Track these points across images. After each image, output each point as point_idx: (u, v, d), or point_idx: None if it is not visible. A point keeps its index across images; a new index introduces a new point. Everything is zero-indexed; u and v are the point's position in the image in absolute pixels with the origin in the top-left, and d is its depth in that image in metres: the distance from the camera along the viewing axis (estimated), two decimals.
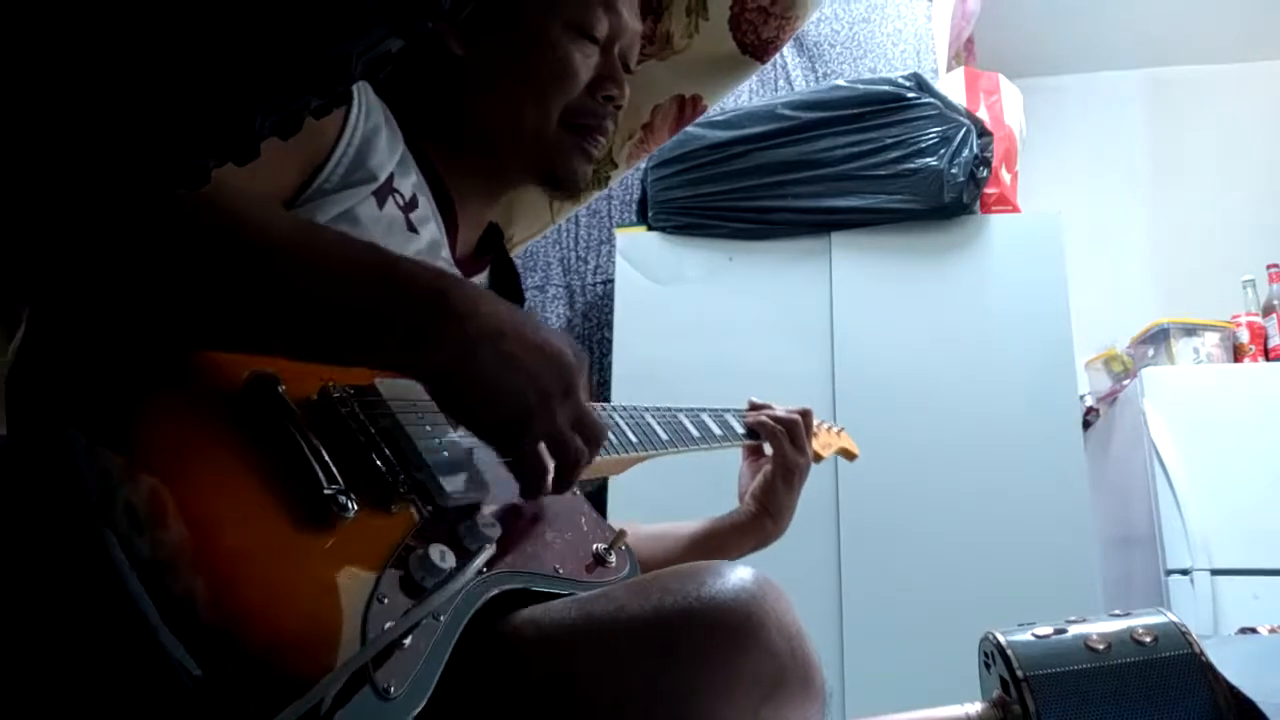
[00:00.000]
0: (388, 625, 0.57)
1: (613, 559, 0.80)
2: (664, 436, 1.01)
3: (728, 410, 1.17)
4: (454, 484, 0.70)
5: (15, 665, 0.54)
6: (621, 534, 0.82)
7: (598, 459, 0.87)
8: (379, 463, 0.66)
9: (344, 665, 0.53)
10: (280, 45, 0.42)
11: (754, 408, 1.19)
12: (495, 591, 0.67)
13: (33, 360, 0.59)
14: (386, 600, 0.59)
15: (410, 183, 0.87)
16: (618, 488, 2.03)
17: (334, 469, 0.62)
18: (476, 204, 0.98)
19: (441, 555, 0.63)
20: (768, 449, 1.17)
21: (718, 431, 1.12)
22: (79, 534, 0.53)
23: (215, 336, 0.63)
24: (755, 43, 1.27)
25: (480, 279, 0.99)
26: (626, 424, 0.98)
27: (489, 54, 0.91)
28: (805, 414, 1.19)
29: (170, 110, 0.43)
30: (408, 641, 0.58)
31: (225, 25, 0.41)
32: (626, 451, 0.95)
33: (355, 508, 0.61)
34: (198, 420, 0.60)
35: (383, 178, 0.82)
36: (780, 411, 1.17)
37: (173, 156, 0.45)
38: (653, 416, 1.03)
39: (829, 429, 1.33)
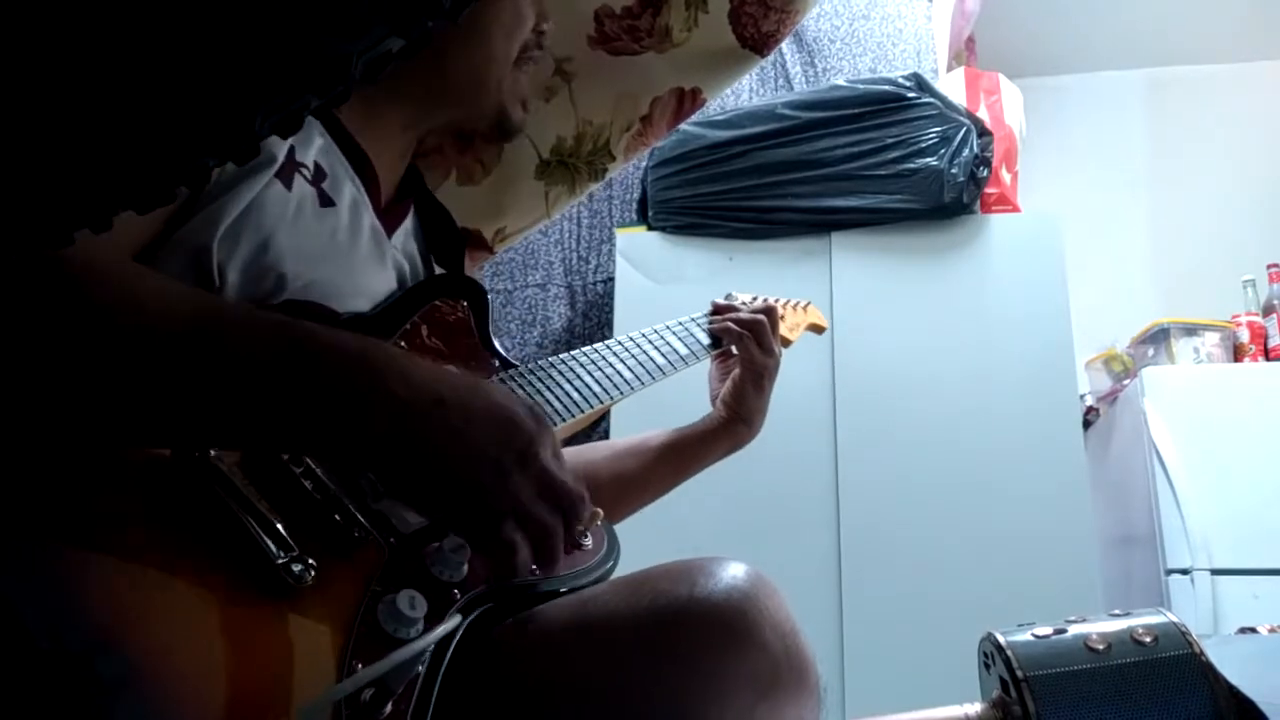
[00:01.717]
0: (365, 697, 0.54)
1: (588, 540, 0.78)
2: (627, 375, 0.98)
3: (692, 319, 1.12)
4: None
5: None
6: (596, 513, 0.78)
7: (566, 423, 0.84)
8: (331, 508, 0.63)
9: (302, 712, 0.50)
10: (280, 45, 0.42)
11: (717, 310, 1.14)
12: (474, 615, 0.65)
13: None
14: (360, 665, 0.56)
15: (315, 149, 0.83)
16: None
17: (282, 532, 0.58)
18: (398, 142, 0.95)
19: (411, 602, 0.59)
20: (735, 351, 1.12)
21: (683, 350, 1.07)
22: (15, 660, 0.48)
23: (119, 436, 0.57)
24: (755, 36, 1.27)
25: (407, 224, 0.95)
26: (589, 373, 0.94)
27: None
28: (769, 310, 1.13)
29: (171, 110, 0.43)
30: (386, 710, 0.55)
31: (226, 25, 0.41)
32: (592, 406, 0.91)
33: (313, 570, 0.57)
34: (128, 507, 0.55)
35: (282, 156, 0.77)
36: (744, 313, 1.12)
37: (173, 156, 0.45)
38: (615, 355, 0.99)
39: (794, 306, 1.28)
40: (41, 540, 0.51)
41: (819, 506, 2.04)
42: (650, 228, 2.34)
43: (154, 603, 0.52)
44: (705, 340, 1.10)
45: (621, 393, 0.96)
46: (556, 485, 0.63)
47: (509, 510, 0.61)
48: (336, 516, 0.62)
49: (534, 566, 0.70)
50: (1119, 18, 3.33)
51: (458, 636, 0.63)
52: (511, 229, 1.27)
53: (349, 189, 0.85)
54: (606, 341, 1.01)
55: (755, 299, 1.18)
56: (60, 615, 0.49)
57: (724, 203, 2.28)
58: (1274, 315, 2.73)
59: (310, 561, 0.57)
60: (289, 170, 0.78)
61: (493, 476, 0.60)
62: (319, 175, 0.81)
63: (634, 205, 2.52)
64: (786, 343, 1.18)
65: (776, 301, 1.20)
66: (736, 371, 1.10)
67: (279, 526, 0.58)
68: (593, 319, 2.56)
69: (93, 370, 0.53)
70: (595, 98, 1.24)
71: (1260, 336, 2.71)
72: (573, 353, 0.96)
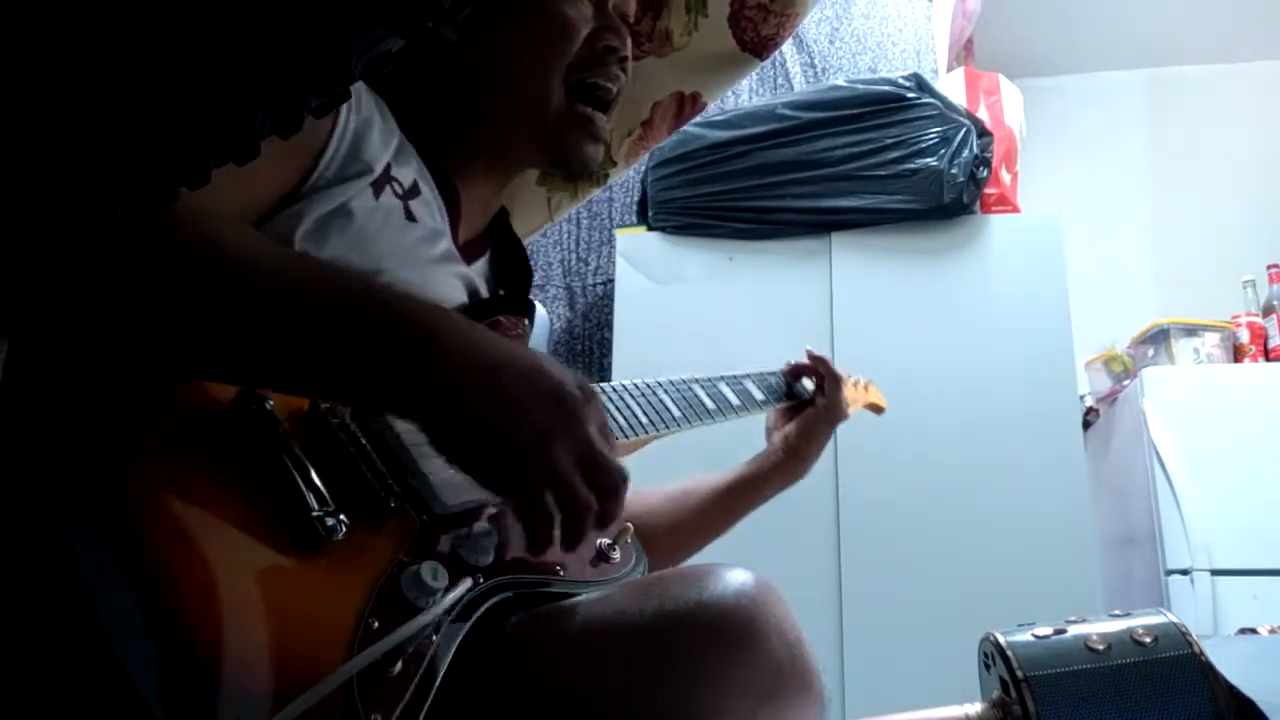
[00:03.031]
0: (370, 650, 0.56)
1: (616, 554, 0.79)
2: (676, 413, 0.99)
3: (746, 376, 1.16)
4: (450, 490, 0.68)
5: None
6: (626, 528, 0.81)
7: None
8: (370, 476, 0.65)
9: (317, 687, 0.52)
10: (280, 45, 0.42)
11: (812, 359, 1.22)
12: (495, 600, 0.67)
13: (13, 399, 0.58)
14: (377, 624, 0.57)
15: (411, 170, 0.86)
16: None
17: (322, 489, 0.60)
18: (481, 190, 0.96)
19: (434, 573, 0.61)
20: (807, 387, 1.20)
21: (735, 401, 1.10)
22: (61, 591, 0.51)
23: (197, 369, 0.61)
24: (755, 40, 1.27)
25: (481, 263, 0.97)
26: (637, 402, 0.95)
27: (483, 32, 0.89)
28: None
29: (171, 110, 0.43)
30: (396, 668, 0.57)
31: (226, 25, 0.41)
32: (636, 434, 0.92)
33: (345, 528, 0.59)
34: (183, 451, 0.59)
35: (379, 168, 0.81)
36: (832, 366, 1.20)
37: (174, 156, 0.45)
38: (665, 392, 1.00)
39: (855, 383, 1.33)
40: (105, 471, 0.55)
41: (819, 507, 2.04)
42: (650, 228, 2.34)
43: (200, 539, 0.55)
44: (759, 395, 1.16)
45: (669, 429, 0.98)
46: (598, 459, 0.65)
47: (545, 477, 0.63)
48: (375, 486, 0.65)
49: (559, 566, 0.73)
50: (1119, 18, 3.33)
51: (476, 616, 0.64)
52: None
53: (434, 215, 0.87)
54: (656, 378, 1.02)
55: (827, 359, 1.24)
56: (110, 548, 0.52)
57: (724, 203, 2.28)
58: (1274, 315, 2.73)
59: (343, 518, 0.60)
60: (382, 182, 0.81)
61: (536, 443, 0.63)
62: (410, 193, 0.84)
63: (634, 206, 2.52)
64: (845, 416, 1.23)
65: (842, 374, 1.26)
66: (810, 412, 1.17)
67: (319, 483, 0.60)
68: (593, 320, 2.56)
69: (195, 305, 0.59)
70: None
71: (1260, 337, 2.71)
72: (623, 382, 0.97)
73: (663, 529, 1.06)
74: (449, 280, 0.89)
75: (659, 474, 1.14)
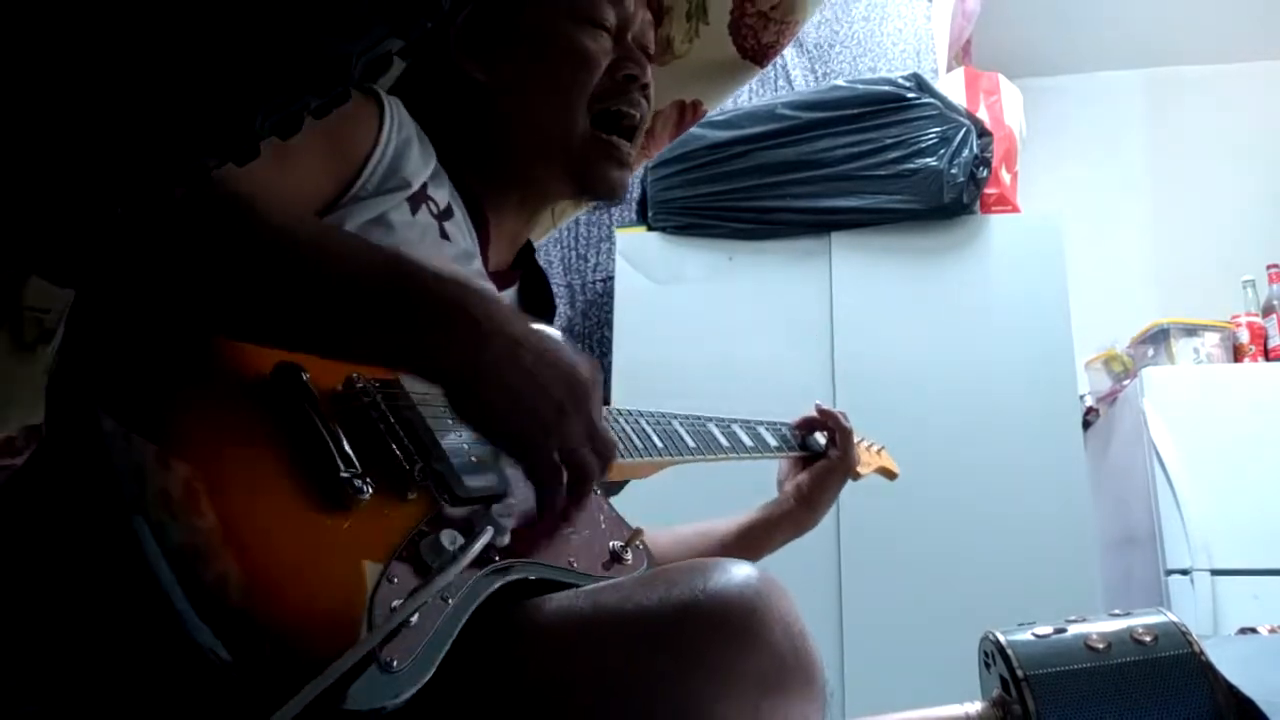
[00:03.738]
0: (395, 604, 0.59)
1: (629, 557, 0.81)
2: (690, 443, 1.03)
3: (760, 422, 1.19)
4: (473, 477, 0.71)
5: (48, 651, 0.57)
6: (638, 532, 0.83)
7: (623, 462, 0.89)
8: (398, 452, 0.68)
9: (355, 648, 0.55)
10: (280, 45, 0.42)
11: (821, 413, 1.25)
12: (506, 580, 0.68)
13: (70, 360, 0.61)
14: (396, 580, 0.60)
15: (445, 193, 0.89)
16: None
17: (351, 455, 0.64)
18: (512, 222, 0.99)
19: (452, 540, 0.64)
20: (819, 440, 1.22)
21: (748, 443, 1.14)
22: (111, 522, 0.54)
23: (238, 329, 0.65)
24: (755, 48, 1.27)
25: (509, 293, 1.00)
26: (652, 428, 0.99)
27: (509, 69, 0.93)
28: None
29: (171, 110, 0.43)
30: (414, 619, 0.59)
31: (226, 25, 0.41)
32: (651, 455, 0.96)
33: (370, 491, 0.63)
34: (226, 407, 0.63)
35: (416, 185, 0.84)
36: (841, 419, 1.24)
37: (174, 155, 0.45)
38: (680, 423, 1.04)
39: (868, 447, 1.34)
40: (157, 418, 0.59)
41: None
42: (650, 228, 2.34)
43: (233, 482, 0.59)
44: (771, 442, 1.19)
45: (681, 456, 1.01)
46: (600, 434, 0.73)
47: (558, 445, 0.70)
48: (402, 460, 0.68)
49: (572, 560, 0.76)
50: (1119, 18, 3.33)
51: (489, 592, 0.66)
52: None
53: (466, 239, 0.90)
54: (674, 411, 1.05)
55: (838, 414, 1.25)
56: (156, 493, 0.56)
57: (724, 203, 2.28)
58: (1274, 315, 2.73)
59: (369, 482, 0.63)
60: (419, 199, 0.84)
61: (552, 414, 0.69)
62: (445, 214, 0.88)
63: (634, 205, 2.53)
64: (856, 476, 1.26)
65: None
66: (824, 463, 1.21)
67: (349, 449, 0.64)
68: (592, 318, 2.57)
69: (242, 269, 0.63)
70: None
71: (1260, 337, 2.71)
72: (640, 409, 1.00)
73: None
74: None
75: (672, 511, 1.16)
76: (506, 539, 0.69)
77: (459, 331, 0.67)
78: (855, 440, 1.26)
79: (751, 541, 1.16)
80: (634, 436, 0.95)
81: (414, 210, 0.84)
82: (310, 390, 0.66)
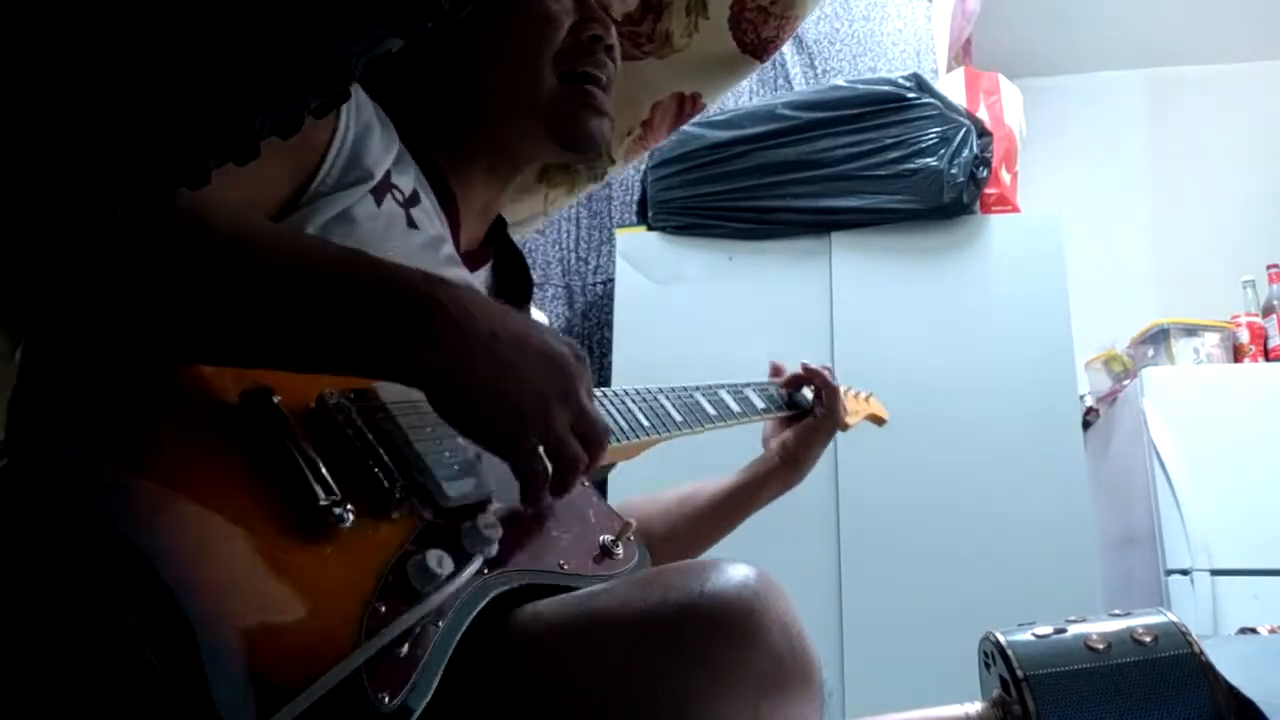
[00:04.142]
0: (385, 636, 0.57)
1: (620, 550, 0.80)
2: (678, 418, 1.01)
3: (747, 385, 1.18)
4: (455, 485, 0.70)
5: (10, 688, 0.54)
6: (629, 525, 0.82)
7: (610, 447, 0.88)
8: (377, 470, 0.66)
9: (334, 670, 0.53)
10: (280, 45, 0.42)
11: (776, 371, 1.24)
12: (497, 592, 0.67)
13: (31, 381, 0.59)
14: (384, 609, 0.59)
15: (409, 178, 0.87)
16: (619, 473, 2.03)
17: (330, 480, 0.61)
18: (480, 197, 0.97)
19: (439, 561, 0.62)
20: (807, 397, 1.21)
21: (736, 408, 1.12)
22: (72, 559, 0.52)
23: (206, 348, 0.62)
24: (755, 42, 1.27)
25: (483, 272, 0.98)
26: (638, 407, 0.97)
27: (472, 37, 0.91)
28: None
29: (171, 110, 0.43)
30: (403, 650, 0.57)
31: (226, 25, 0.41)
32: (637, 436, 0.94)
33: (351, 516, 0.61)
34: (194, 438, 0.60)
35: (379, 175, 0.82)
36: (830, 378, 1.23)
37: (174, 156, 0.45)
38: (666, 397, 1.02)
39: (855, 395, 1.34)
40: (119, 468, 0.56)
41: (819, 507, 2.04)
42: (650, 228, 2.34)
43: (211, 533, 0.56)
44: (759, 404, 1.17)
45: (670, 433, 0.99)
46: (588, 422, 0.70)
47: (543, 439, 0.68)
48: (382, 479, 0.66)
49: (562, 562, 0.74)
50: (1119, 18, 3.33)
51: (480, 607, 0.65)
52: (509, 221, 1.27)
53: (434, 223, 0.88)
54: (660, 385, 1.04)
55: (824, 370, 1.25)
56: (126, 532, 0.53)
57: (724, 203, 2.28)
58: (1274, 315, 2.73)
59: (350, 508, 0.61)
60: (383, 189, 0.82)
61: (536, 407, 0.67)
62: (411, 200, 0.85)
63: (634, 205, 2.53)
64: (845, 427, 1.26)
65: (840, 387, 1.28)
66: (809, 421, 1.20)
67: (326, 475, 0.62)
68: (592, 319, 2.57)
69: (196, 286, 0.60)
70: None
71: (1260, 337, 2.71)
72: (625, 388, 0.99)
73: (659, 537, 1.07)
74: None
75: (658, 478, 1.15)
76: (494, 549, 0.68)
77: (433, 327, 0.64)
78: (842, 391, 1.25)
79: (738, 502, 1.15)
80: (619, 418, 0.94)
81: (379, 201, 0.81)
82: (282, 414, 0.64)
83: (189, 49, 0.41)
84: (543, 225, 1.42)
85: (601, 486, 2.01)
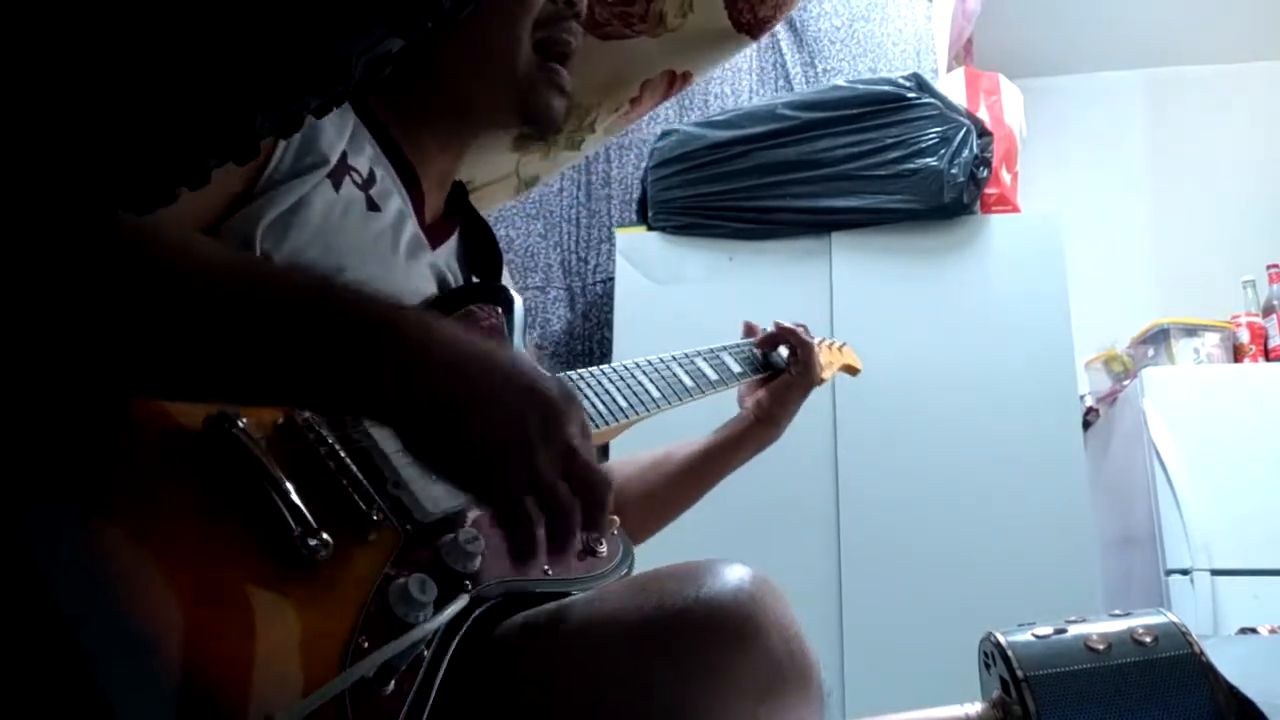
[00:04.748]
0: (368, 673, 0.55)
1: (603, 547, 0.79)
2: (655, 394, 1.00)
3: (723, 348, 1.17)
4: (433, 496, 0.67)
5: None
6: (612, 520, 0.80)
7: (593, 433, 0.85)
8: (351, 489, 0.63)
9: (302, 704, 0.51)
10: (280, 45, 0.42)
11: (749, 331, 1.24)
12: (483, 608, 0.66)
13: None
14: (367, 643, 0.57)
15: (366, 158, 0.84)
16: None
17: (302, 508, 0.58)
18: (439, 163, 0.95)
19: (422, 586, 0.60)
20: (783, 355, 1.21)
21: (712, 375, 1.11)
22: (37, 622, 0.49)
23: (154, 385, 0.57)
24: (751, 21, 1.26)
25: (450, 244, 0.96)
26: (616, 388, 0.96)
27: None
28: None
29: (171, 110, 0.43)
30: (389, 688, 0.56)
31: (226, 26, 0.41)
32: (616, 419, 0.93)
33: (328, 546, 0.58)
34: (157, 475, 0.57)
35: (335, 159, 0.79)
36: (803, 334, 1.22)
37: (174, 156, 0.45)
38: (643, 373, 1.01)
39: (830, 345, 1.34)
40: (73, 510, 0.52)
41: (819, 507, 2.04)
42: (650, 228, 2.34)
43: (178, 572, 0.53)
44: (736, 368, 1.16)
45: (648, 410, 0.98)
46: (579, 465, 0.62)
47: (529, 483, 0.60)
48: (357, 499, 0.63)
49: (546, 567, 0.72)
50: (1119, 18, 3.33)
51: (466, 625, 0.63)
52: (479, 181, 1.25)
53: (395, 200, 0.86)
54: (636, 360, 1.03)
55: (798, 328, 1.24)
56: (87, 584, 0.50)
57: (724, 203, 2.28)
58: (1274, 315, 2.73)
59: (326, 538, 0.58)
60: (340, 173, 0.79)
61: (515, 447, 0.59)
62: (369, 181, 0.83)
63: (634, 205, 2.52)
64: (821, 381, 1.25)
65: (814, 339, 1.27)
66: (784, 378, 1.18)
67: (299, 503, 0.58)
68: (593, 320, 2.56)
69: (143, 317, 0.54)
70: (584, 81, 1.21)
71: (1260, 337, 2.71)
72: (601, 367, 0.98)
73: (635, 498, 1.06)
74: (418, 271, 0.87)
75: (632, 444, 1.13)
76: (477, 563, 0.65)
77: (392, 359, 0.57)
78: (817, 343, 1.25)
79: (715, 463, 1.13)
80: (597, 401, 0.92)
81: (337, 186, 0.78)
82: (247, 441, 0.60)
83: (190, 49, 0.41)
84: (517, 193, 1.36)
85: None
